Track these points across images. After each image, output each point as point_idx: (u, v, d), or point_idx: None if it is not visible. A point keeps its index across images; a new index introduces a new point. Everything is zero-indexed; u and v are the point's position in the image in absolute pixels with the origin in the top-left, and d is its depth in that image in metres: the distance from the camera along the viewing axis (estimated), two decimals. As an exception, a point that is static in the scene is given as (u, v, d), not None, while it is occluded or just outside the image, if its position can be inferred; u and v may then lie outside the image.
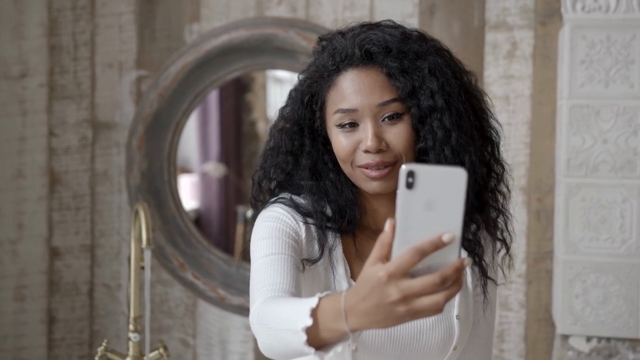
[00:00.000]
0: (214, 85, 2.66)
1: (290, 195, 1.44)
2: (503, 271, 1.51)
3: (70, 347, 2.72)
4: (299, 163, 1.44)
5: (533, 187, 2.46)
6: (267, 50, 2.56)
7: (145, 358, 1.88)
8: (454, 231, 0.98)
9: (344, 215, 1.41)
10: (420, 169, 0.98)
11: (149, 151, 2.63)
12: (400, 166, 1.35)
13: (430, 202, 0.98)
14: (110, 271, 2.70)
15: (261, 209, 1.45)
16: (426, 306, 0.97)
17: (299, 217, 1.41)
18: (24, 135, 2.67)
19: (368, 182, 1.37)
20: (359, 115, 1.36)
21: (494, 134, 1.44)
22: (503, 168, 1.45)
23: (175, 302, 2.68)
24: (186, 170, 4.67)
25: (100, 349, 1.88)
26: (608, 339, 2.35)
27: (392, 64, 1.35)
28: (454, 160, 1.35)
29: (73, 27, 2.65)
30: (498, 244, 1.48)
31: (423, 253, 0.97)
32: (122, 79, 2.65)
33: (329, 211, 1.42)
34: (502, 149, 1.46)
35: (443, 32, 2.48)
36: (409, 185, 0.98)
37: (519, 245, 2.46)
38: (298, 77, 1.47)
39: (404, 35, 1.38)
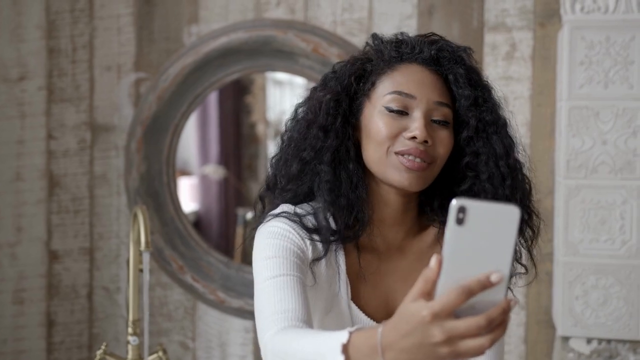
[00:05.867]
0: (213, 87, 2.65)
1: (293, 208, 1.39)
2: (513, 293, 1.50)
3: (70, 351, 2.72)
4: (325, 142, 1.38)
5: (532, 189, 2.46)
6: (266, 52, 2.55)
7: (144, 361, 1.88)
8: (503, 270, 0.93)
9: (352, 211, 1.36)
10: (473, 205, 0.94)
11: (147, 154, 2.62)
12: (433, 169, 1.35)
13: (480, 239, 0.94)
14: (109, 274, 2.69)
15: (262, 220, 1.39)
16: (470, 348, 0.94)
17: (304, 234, 1.36)
18: (22, 138, 2.67)
19: (399, 172, 1.34)
20: (414, 104, 1.35)
21: (527, 185, 1.43)
22: (537, 216, 1.44)
23: (174, 305, 2.68)
24: (186, 173, 4.67)
25: (99, 352, 1.88)
26: (608, 341, 2.34)
27: (460, 70, 1.37)
28: (510, 174, 1.36)
29: (71, 29, 2.65)
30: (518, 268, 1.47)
31: (470, 293, 0.93)
32: (120, 82, 2.65)
33: (332, 224, 1.37)
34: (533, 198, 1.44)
35: (442, 33, 2.45)
36: (459, 221, 0.94)
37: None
38: (334, 67, 1.44)
39: (467, 54, 1.41)
